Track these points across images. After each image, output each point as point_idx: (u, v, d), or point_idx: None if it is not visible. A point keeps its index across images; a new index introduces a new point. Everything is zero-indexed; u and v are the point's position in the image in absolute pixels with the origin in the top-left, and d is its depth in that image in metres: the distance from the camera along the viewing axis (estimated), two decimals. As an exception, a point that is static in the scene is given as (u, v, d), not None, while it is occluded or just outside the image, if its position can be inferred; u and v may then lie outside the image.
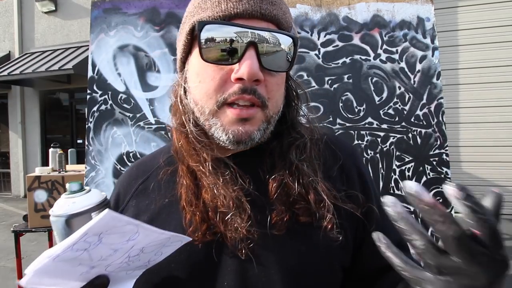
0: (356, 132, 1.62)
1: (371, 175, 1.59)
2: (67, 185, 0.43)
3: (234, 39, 0.47)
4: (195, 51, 0.51)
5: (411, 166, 1.58)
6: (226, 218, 0.49)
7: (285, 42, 0.50)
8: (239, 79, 0.48)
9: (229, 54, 0.48)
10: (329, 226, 0.50)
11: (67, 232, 0.40)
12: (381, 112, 1.62)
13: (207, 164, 0.52)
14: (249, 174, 0.53)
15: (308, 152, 0.55)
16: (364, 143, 1.61)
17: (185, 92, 0.56)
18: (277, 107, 0.54)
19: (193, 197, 0.52)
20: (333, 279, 0.54)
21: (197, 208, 0.51)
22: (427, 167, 1.57)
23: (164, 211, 0.55)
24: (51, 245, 3.32)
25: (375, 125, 1.62)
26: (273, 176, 0.53)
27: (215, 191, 0.50)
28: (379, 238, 0.35)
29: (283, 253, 0.50)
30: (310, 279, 0.50)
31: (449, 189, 0.29)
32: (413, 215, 0.32)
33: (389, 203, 0.32)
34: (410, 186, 0.30)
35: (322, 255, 0.51)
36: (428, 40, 1.63)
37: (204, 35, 0.48)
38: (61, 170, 2.82)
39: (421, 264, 0.33)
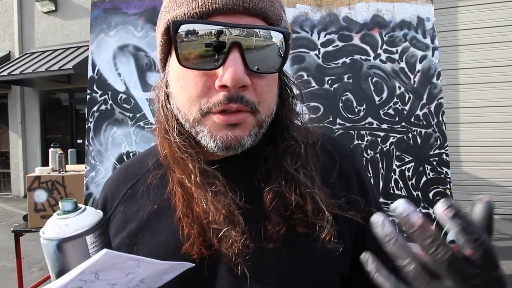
0: (356, 132, 1.62)
1: (371, 175, 1.60)
2: (60, 204, 0.38)
3: (214, 40, 0.41)
4: (174, 53, 0.45)
5: (411, 166, 1.58)
6: (219, 235, 0.45)
7: (275, 38, 0.44)
8: (224, 87, 0.42)
9: (210, 58, 0.42)
10: (327, 238, 0.47)
11: (58, 257, 0.36)
12: (381, 112, 1.63)
13: (193, 176, 0.47)
14: (242, 183, 0.49)
15: (304, 159, 0.51)
16: (364, 143, 1.61)
17: (167, 96, 0.51)
18: (270, 110, 0.49)
19: (188, 208, 0.48)
20: (333, 276, 0.51)
21: (193, 221, 0.47)
22: (427, 167, 1.57)
23: (153, 218, 0.52)
24: (51, 245, 3.32)
25: (375, 125, 1.62)
26: (269, 187, 0.49)
27: (205, 205, 0.46)
28: (367, 261, 0.33)
29: (280, 266, 0.47)
30: (307, 273, 0.48)
31: (438, 208, 0.28)
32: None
33: (377, 223, 0.30)
34: (397, 207, 0.29)
35: (320, 267, 0.49)
36: (428, 40, 1.64)
37: (180, 36, 0.42)
38: (61, 170, 2.82)
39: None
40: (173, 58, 0.47)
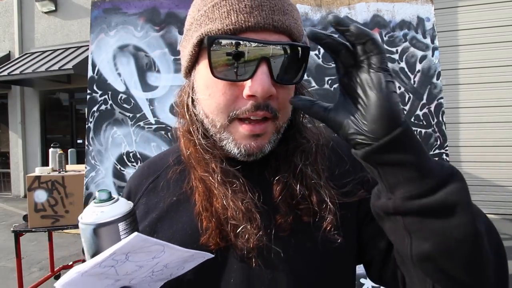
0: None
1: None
2: (96, 193, 0.43)
3: (246, 54, 0.45)
4: (204, 63, 0.49)
5: (411, 166, 1.58)
6: (237, 230, 0.49)
7: (298, 53, 0.48)
8: (251, 96, 0.46)
9: (240, 70, 0.46)
10: (329, 227, 0.51)
11: (94, 240, 0.41)
12: (381, 112, 1.63)
13: (216, 175, 0.51)
14: (256, 179, 0.53)
15: (313, 157, 0.55)
16: (364, 143, 1.61)
17: (192, 101, 0.55)
18: (287, 116, 0.53)
19: (207, 203, 0.52)
20: (337, 278, 0.55)
21: (211, 215, 0.51)
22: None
23: (172, 209, 0.56)
24: (51, 245, 3.33)
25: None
26: (277, 178, 0.53)
27: (225, 202, 0.50)
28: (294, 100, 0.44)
29: (288, 254, 0.51)
30: (313, 276, 0.52)
31: (330, 18, 0.38)
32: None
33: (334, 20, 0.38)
34: (332, 18, 0.38)
35: (324, 255, 0.52)
36: (428, 40, 1.64)
37: (214, 50, 0.46)
38: (61, 170, 2.82)
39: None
40: (201, 67, 0.51)
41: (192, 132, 0.54)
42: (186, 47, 0.53)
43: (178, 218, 0.55)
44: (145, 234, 0.53)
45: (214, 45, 0.46)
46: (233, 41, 0.45)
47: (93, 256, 0.40)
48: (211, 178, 0.51)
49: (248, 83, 0.46)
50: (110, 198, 0.43)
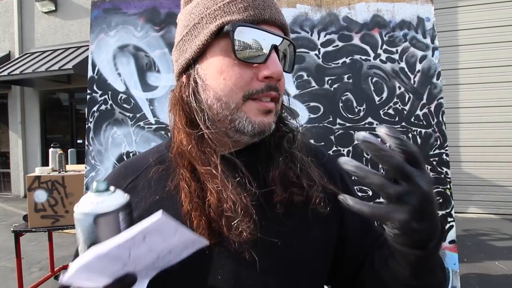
0: (356, 132, 1.62)
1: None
2: (94, 183, 0.43)
3: (263, 42, 0.53)
4: (216, 50, 0.54)
5: (411, 166, 1.58)
6: (232, 223, 0.50)
7: (292, 47, 0.59)
8: (267, 78, 0.53)
9: (256, 55, 0.53)
10: (317, 201, 0.56)
11: (93, 230, 0.41)
12: (381, 112, 1.63)
13: (217, 167, 0.53)
14: (252, 170, 0.56)
15: (298, 144, 0.61)
16: (364, 143, 1.61)
17: (193, 94, 0.56)
18: (281, 103, 0.60)
19: (198, 200, 0.53)
20: (326, 259, 0.60)
21: (202, 213, 0.52)
22: (427, 167, 1.57)
23: (155, 208, 0.55)
24: (51, 245, 3.32)
25: (375, 125, 1.62)
26: (273, 164, 0.58)
27: (223, 195, 0.51)
28: (346, 198, 0.41)
29: (282, 242, 0.54)
30: (305, 257, 0.56)
31: (381, 129, 0.38)
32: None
33: (345, 160, 0.39)
34: (361, 135, 0.38)
35: (316, 234, 0.57)
36: (428, 40, 1.64)
37: (238, 35, 0.52)
38: (61, 170, 2.82)
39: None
40: (214, 55, 0.55)
41: (199, 121, 0.55)
42: (192, 41, 0.56)
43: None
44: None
45: (237, 32, 0.52)
46: (253, 30, 0.53)
47: (90, 246, 0.40)
48: (213, 171, 0.53)
49: (263, 66, 0.53)
50: (108, 188, 0.43)
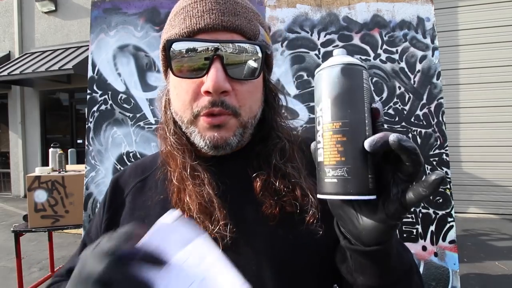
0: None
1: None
2: (335, 51, 0.43)
3: (199, 53, 0.50)
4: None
5: (411, 166, 1.58)
6: (201, 220, 0.52)
7: (252, 50, 0.52)
8: (207, 92, 0.50)
9: (197, 68, 0.50)
10: (311, 220, 0.54)
11: (340, 81, 0.40)
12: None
13: (182, 170, 0.55)
14: (237, 177, 0.57)
15: (290, 154, 0.58)
16: (364, 143, 1.61)
17: (169, 102, 0.60)
18: (253, 112, 0.56)
19: (178, 198, 0.55)
20: (319, 270, 0.56)
21: (183, 208, 0.53)
22: (427, 167, 1.57)
23: (158, 206, 0.58)
24: (51, 245, 3.32)
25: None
26: (256, 175, 0.56)
27: (187, 197, 0.53)
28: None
29: (272, 243, 0.53)
30: (297, 266, 0.53)
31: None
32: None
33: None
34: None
35: (306, 244, 0.55)
36: (428, 40, 1.63)
37: (173, 52, 0.51)
38: (61, 170, 2.82)
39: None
40: (170, 71, 0.55)
41: (166, 130, 0.59)
42: (160, 54, 0.59)
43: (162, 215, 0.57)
44: (131, 230, 0.54)
45: (172, 48, 0.50)
46: (187, 42, 0.50)
47: (335, 99, 0.40)
48: (178, 174, 0.55)
49: (204, 79, 0.50)
50: (347, 54, 0.43)
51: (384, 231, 0.40)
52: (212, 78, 0.49)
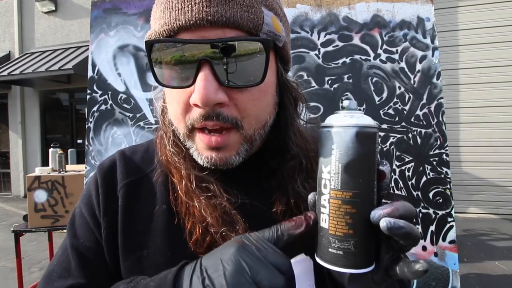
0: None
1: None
2: (345, 102, 0.39)
3: (183, 57, 0.39)
4: None
5: (411, 166, 1.58)
6: (223, 234, 0.45)
7: (252, 47, 0.39)
8: (197, 105, 0.40)
9: (183, 77, 0.40)
10: None
11: (354, 146, 0.36)
12: (381, 112, 1.62)
13: (188, 183, 0.48)
14: (246, 187, 0.51)
15: (308, 168, 0.51)
16: (364, 143, 1.61)
17: (166, 109, 0.51)
18: (260, 123, 0.45)
19: (187, 211, 0.48)
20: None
21: (195, 222, 0.47)
22: (427, 167, 1.57)
23: (161, 218, 0.51)
24: (51, 245, 3.32)
25: (375, 125, 1.61)
26: (279, 199, 0.50)
27: (202, 211, 0.46)
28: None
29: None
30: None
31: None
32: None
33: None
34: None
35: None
36: (428, 40, 1.63)
37: (153, 56, 0.41)
38: (61, 170, 2.82)
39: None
40: None
41: (165, 139, 0.51)
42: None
43: (168, 229, 0.50)
44: (134, 247, 0.50)
45: (152, 51, 0.40)
46: (167, 44, 0.39)
47: (346, 166, 0.36)
48: (184, 186, 0.48)
49: (192, 89, 0.40)
50: (358, 108, 0.39)
51: None
52: (199, 89, 0.38)
